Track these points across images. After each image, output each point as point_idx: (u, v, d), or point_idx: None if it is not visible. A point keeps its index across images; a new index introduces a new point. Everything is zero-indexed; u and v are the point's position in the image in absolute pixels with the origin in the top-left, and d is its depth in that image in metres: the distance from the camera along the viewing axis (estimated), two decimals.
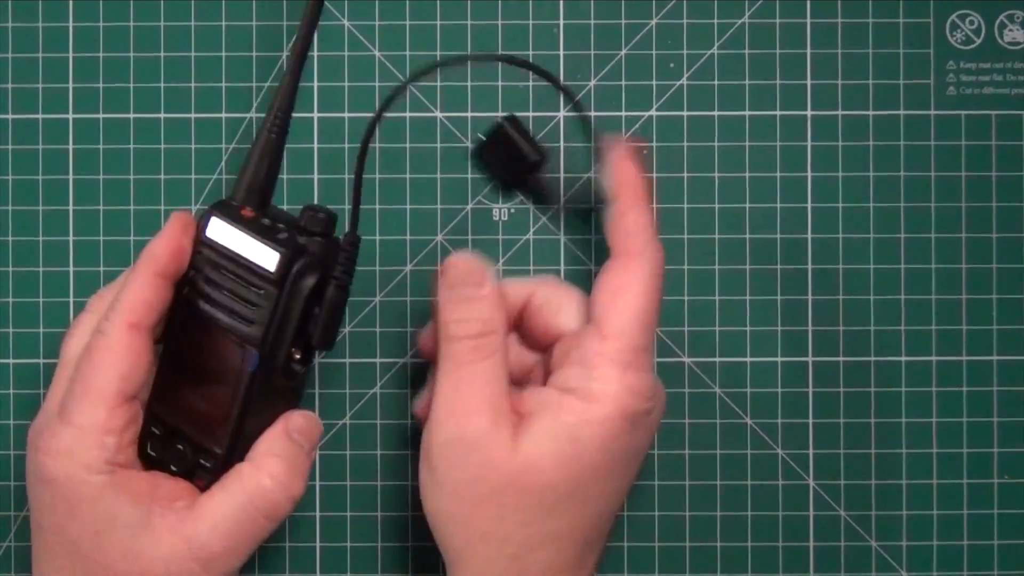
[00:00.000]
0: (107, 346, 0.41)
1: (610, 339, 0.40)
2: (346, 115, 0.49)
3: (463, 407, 0.40)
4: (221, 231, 0.42)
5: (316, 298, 0.42)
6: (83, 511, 0.40)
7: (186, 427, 0.43)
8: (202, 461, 0.43)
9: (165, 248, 0.42)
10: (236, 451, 0.42)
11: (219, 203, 0.43)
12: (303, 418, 0.43)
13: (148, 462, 0.43)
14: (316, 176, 0.49)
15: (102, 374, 0.40)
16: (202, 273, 0.42)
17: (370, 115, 0.49)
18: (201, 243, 0.42)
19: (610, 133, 0.46)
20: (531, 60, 0.49)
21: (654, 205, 0.48)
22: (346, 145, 0.49)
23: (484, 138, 0.48)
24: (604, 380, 0.40)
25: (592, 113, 0.49)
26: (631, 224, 0.42)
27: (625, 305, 0.41)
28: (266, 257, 0.41)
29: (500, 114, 0.48)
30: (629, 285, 0.41)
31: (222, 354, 0.42)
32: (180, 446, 0.43)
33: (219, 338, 0.42)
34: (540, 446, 0.40)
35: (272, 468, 0.41)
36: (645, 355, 0.41)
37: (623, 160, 0.43)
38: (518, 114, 0.49)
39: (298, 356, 0.42)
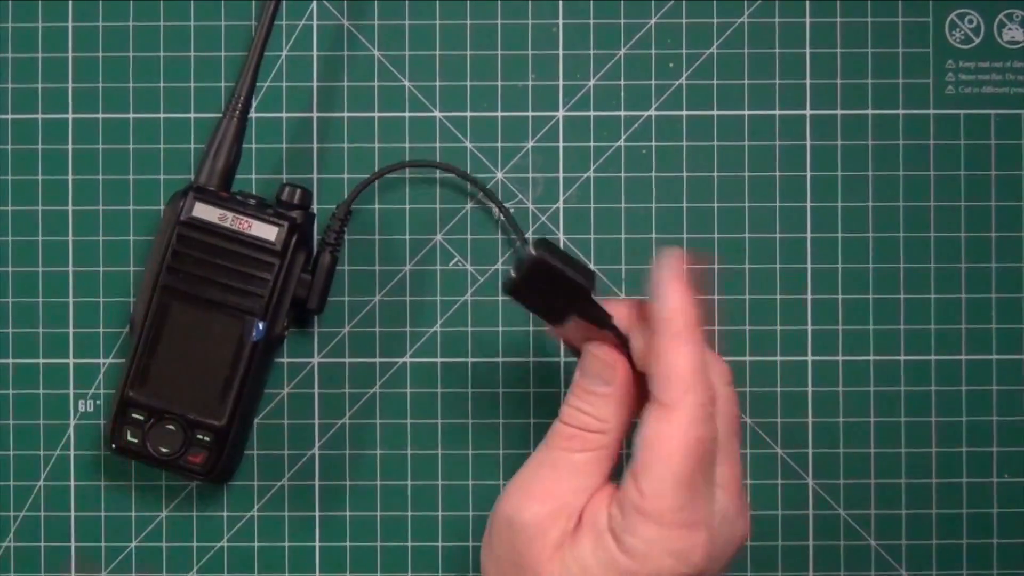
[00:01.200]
0: None
1: (647, 498, 0.37)
2: (345, 115, 0.49)
3: (533, 489, 0.39)
4: (209, 212, 0.45)
5: (307, 266, 0.46)
6: None
7: (177, 407, 0.45)
8: (199, 436, 0.45)
9: None
10: (236, 420, 0.45)
11: (196, 187, 0.46)
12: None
13: (127, 451, 0.45)
14: (316, 176, 0.49)
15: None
16: (190, 255, 0.45)
17: (371, 115, 0.49)
18: (186, 225, 0.45)
19: (669, 248, 0.39)
20: (530, 57, 0.49)
21: (714, 327, 0.45)
22: (345, 145, 0.49)
23: (516, 275, 0.38)
24: (638, 537, 0.37)
25: (591, 113, 0.49)
26: (667, 368, 0.37)
27: (660, 463, 0.37)
28: (267, 231, 0.45)
29: (529, 237, 0.45)
30: (665, 441, 0.37)
31: (218, 330, 0.45)
32: (171, 427, 0.45)
33: (214, 314, 0.45)
34: (569, 569, 0.38)
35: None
36: (686, 512, 0.37)
37: (673, 282, 0.38)
38: (514, 114, 0.49)
39: (286, 323, 0.46)
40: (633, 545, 0.37)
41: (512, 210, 0.49)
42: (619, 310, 0.40)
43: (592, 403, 0.39)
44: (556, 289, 0.38)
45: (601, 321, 0.39)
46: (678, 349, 0.37)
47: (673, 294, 0.37)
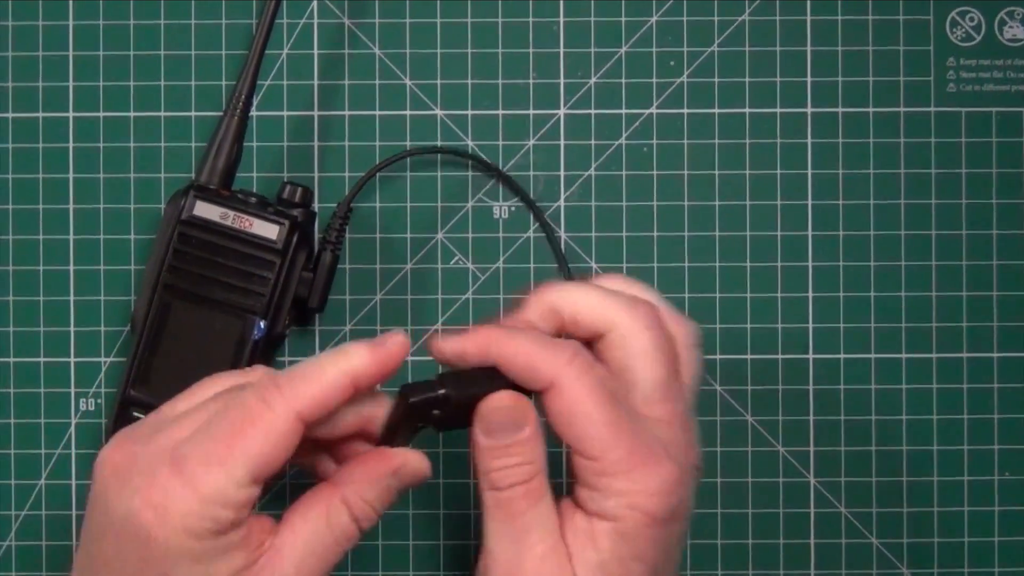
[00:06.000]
0: (267, 422, 0.36)
1: (599, 459, 0.37)
2: (347, 113, 0.49)
3: (527, 567, 0.37)
4: (210, 211, 0.45)
5: (308, 264, 0.46)
6: (174, 572, 0.36)
7: None
8: None
9: (377, 365, 0.38)
10: None
11: (197, 186, 0.46)
12: (418, 463, 0.39)
13: None
14: (316, 174, 0.49)
15: (247, 448, 0.36)
16: (191, 253, 0.45)
17: (371, 113, 0.49)
18: (187, 224, 0.45)
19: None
20: (531, 55, 0.49)
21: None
22: (347, 143, 0.49)
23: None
24: (614, 498, 0.37)
25: (592, 111, 0.49)
26: (520, 361, 0.38)
27: (586, 426, 0.37)
28: (267, 229, 0.45)
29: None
30: (575, 408, 0.37)
31: (219, 328, 0.45)
32: None
33: (215, 313, 0.45)
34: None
35: (361, 511, 0.38)
36: (637, 451, 0.37)
37: (439, 343, 0.39)
38: (515, 112, 0.49)
39: (287, 321, 0.46)
40: (615, 508, 0.37)
41: (513, 208, 0.49)
42: (469, 350, 0.38)
43: (514, 454, 0.38)
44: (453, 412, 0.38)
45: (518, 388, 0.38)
46: (509, 338, 0.38)
47: (456, 341, 0.38)
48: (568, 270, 0.48)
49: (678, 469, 0.37)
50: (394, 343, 0.38)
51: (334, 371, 0.37)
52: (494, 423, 0.38)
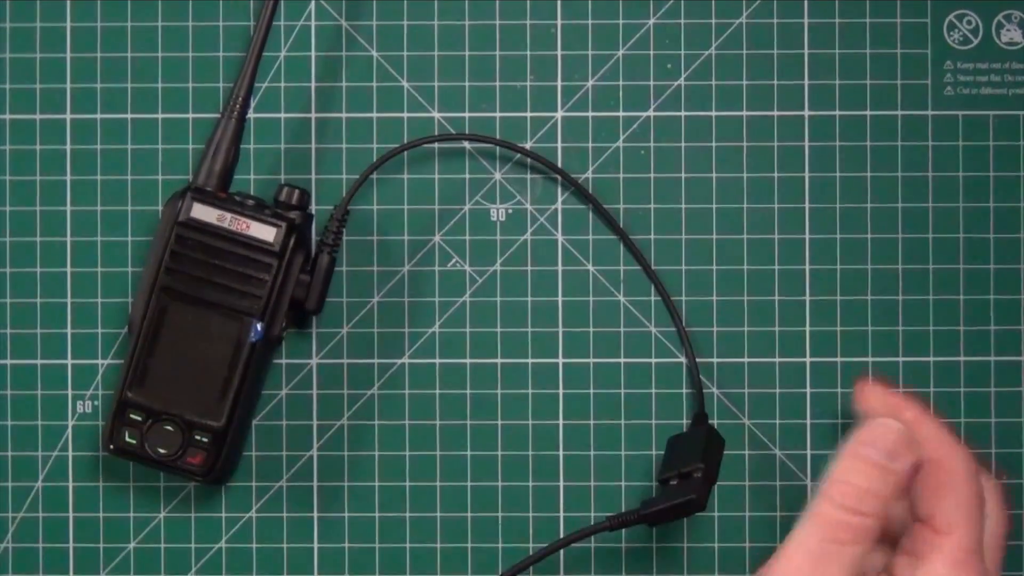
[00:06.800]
0: None
1: (942, 534, 0.37)
2: (344, 115, 0.49)
3: None
4: (207, 213, 0.45)
5: (305, 266, 0.46)
6: None
7: (176, 408, 0.45)
8: (197, 437, 0.45)
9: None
10: (234, 421, 0.45)
11: (194, 188, 0.46)
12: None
13: (125, 452, 0.46)
14: (314, 176, 0.49)
15: None
16: (188, 255, 0.45)
17: (369, 115, 0.49)
18: (184, 226, 0.45)
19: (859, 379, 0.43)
20: (528, 58, 0.49)
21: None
22: (344, 146, 0.49)
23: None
24: (930, 563, 0.37)
25: (590, 114, 0.49)
26: (926, 432, 0.39)
27: (953, 499, 0.37)
28: (265, 232, 0.45)
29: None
30: (950, 481, 0.38)
31: (216, 330, 0.45)
32: (169, 427, 0.45)
33: (212, 315, 0.45)
34: None
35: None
36: (976, 559, 0.37)
37: (870, 391, 0.41)
38: (512, 114, 0.49)
39: (284, 324, 0.46)
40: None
41: (511, 211, 0.49)
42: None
43: (874, 477, 0.37)
44: None
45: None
46: (926, 418, 0.39)
47: (880, 392, 0.41)
48: (631, 243, 0.48)
49: None
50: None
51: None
52: (876, 438, 0.38)
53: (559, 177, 0.49)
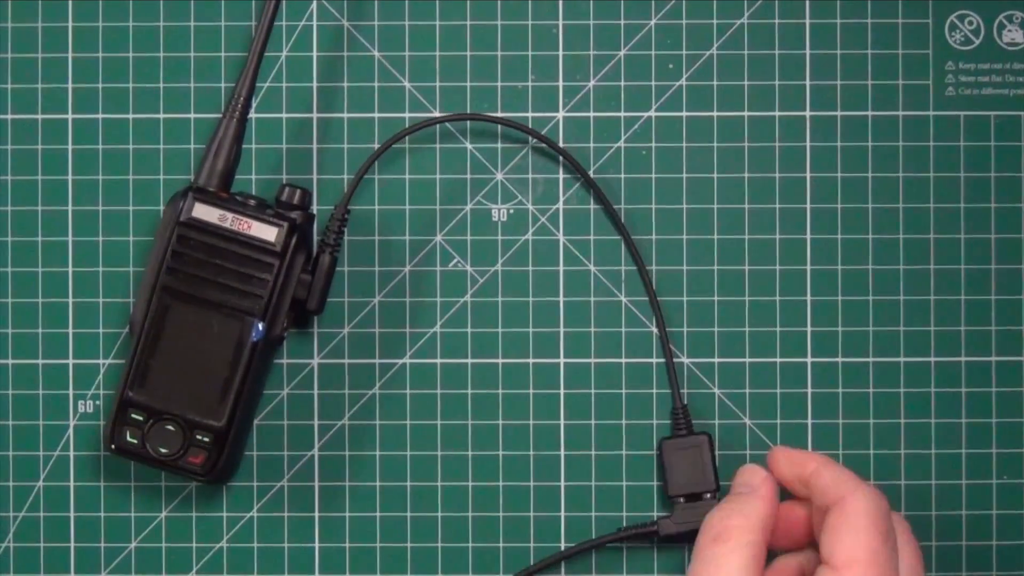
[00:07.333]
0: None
1: (842, 570, 0.39)
2: (346, 115, 0.49)
3: None
4: (208, 213, 0.45)
5: (306, 266, 0.46)
6: None
7: (177, 408, 0.45)
8: (198, 437, 0.45)
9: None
10: (235, 421, 0.45)
11: (195, 188, 0.46)
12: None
13: (126, 451, 0.46)
14: (315, 176, 0.49)
15: None
16: (190, 255, 0.45)
17: (371, 115, 0.49)
18: (186, 226, 0.45)
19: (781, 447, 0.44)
20: (530, 58, 0.49)
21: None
22: (345, 146, 0.49)
23: None
24: None
25: (591, 114, 0.49)
26: (827, 478, 0.41)
27: (852, 536, 0.39)
28: (266, 231, 0.45)
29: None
30: (848, 520, 0.39)
31: (217, 330, 0.45)
32: (170, 427, 0.45)
33: (213, 315, 0.45)
34: None
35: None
36: None
37: (778, 453, 0.43)
38: (517, 114, 0.49)
39: (285, 323, 0.46)
40: None
41: (512, 211, 0.49)
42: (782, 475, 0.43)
43: (736, 501, 0.42)
44: None
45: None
46: (826, 465, 0.42)
47: (787, 453, 0.43)
48: (632, 243, 0.48)
49: None
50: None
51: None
52: (737, 481, 0.43)
53: (561, 175, 0.49)
